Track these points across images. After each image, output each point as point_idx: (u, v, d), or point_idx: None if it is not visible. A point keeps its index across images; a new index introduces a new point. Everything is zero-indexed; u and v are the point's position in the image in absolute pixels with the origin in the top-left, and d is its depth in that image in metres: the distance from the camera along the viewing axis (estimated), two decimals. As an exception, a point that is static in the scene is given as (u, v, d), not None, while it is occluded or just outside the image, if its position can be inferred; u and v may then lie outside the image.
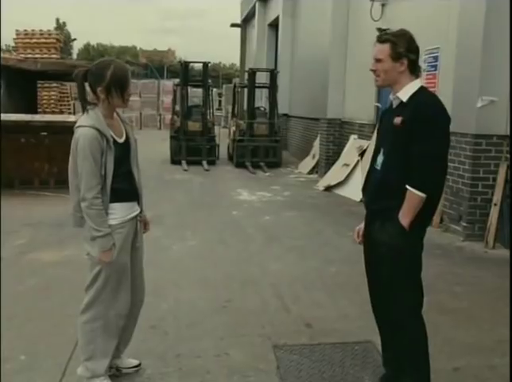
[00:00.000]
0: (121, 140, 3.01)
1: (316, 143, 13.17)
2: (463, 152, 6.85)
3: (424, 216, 2.75)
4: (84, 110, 2.94)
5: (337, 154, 11.88)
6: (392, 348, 3.04)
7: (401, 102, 2.79)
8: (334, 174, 11.03)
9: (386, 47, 2.76)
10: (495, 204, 6.53)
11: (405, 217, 2.69)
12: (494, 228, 6.47)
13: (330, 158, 12.15)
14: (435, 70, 8.05)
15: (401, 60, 2.76)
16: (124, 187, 3.00)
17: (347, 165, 10.70)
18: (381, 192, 2.84)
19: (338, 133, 12.31)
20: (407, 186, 2.67)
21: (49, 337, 3.83)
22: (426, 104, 2.71)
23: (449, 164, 7.09)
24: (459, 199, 6.90)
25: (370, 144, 9.51)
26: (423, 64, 8.25)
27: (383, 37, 2.79)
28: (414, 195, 2.66)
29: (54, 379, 3.27)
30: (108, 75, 2.87)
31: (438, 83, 7.96)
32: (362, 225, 3.04)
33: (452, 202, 7.09)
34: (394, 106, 2.85)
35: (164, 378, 3.33)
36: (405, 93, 2.77)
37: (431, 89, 7.95)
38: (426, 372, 2.91)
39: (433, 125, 2.66)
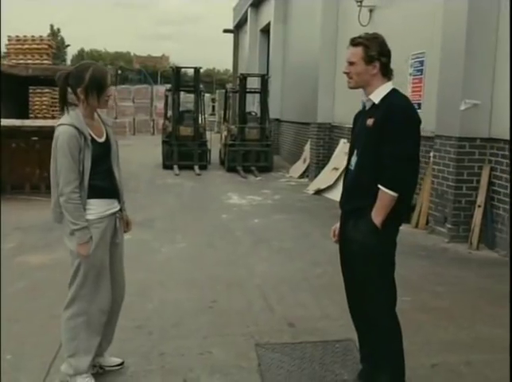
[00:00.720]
0: (101, 140, 3.11)
1: (307, 147, 13.26)
2: (447, 155, 6.95)
3: (396, 215, 2.82)
4: (65, 110, 3.03)
5: (327, 158, 12.00)
6: (368, 345, 3.11)
7: (374, 104, 2.86)
8: (324, 178, 11.12)
9: (359, 50, 2.84)
10: (479, 206, 6.62)
11: (377, 216, 2.77)
12: (478, 229, 6.57)
13: (320, 162, 12.24)
14: (421, 74, 8.17)
15: (374, 63, 2.83)
16: (103, 184, 3.10)
17: (336, 168, 10.79)
18: (354, 192, 2.93)
19: (328, 137, 12.42)
20: (379, 185, 2.75)
21: (35, 337, 3.88)
22: (397, 106, 2.79)
23: (434, 167, 7.26)
24: (444, 201, 7.00)
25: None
26: (409, 68, 8.39)
27: (356, 40, 2.86)
28: (386, 194, 2.74)
29: (39, 377, 3.33)
30: (87, 77, 2.98)
31: (424, 87, 8.07)
32: (338, 224, 3.13)
33: (437, 204, 7.18)
34: (367, 108, 2.93)
35: (147, 375, 3.39)
36: (377, 95, 2.85)
37: (417, 93, 8.11)
38: (401, 367, 2.98)
39: (404, 126, 2.74)
